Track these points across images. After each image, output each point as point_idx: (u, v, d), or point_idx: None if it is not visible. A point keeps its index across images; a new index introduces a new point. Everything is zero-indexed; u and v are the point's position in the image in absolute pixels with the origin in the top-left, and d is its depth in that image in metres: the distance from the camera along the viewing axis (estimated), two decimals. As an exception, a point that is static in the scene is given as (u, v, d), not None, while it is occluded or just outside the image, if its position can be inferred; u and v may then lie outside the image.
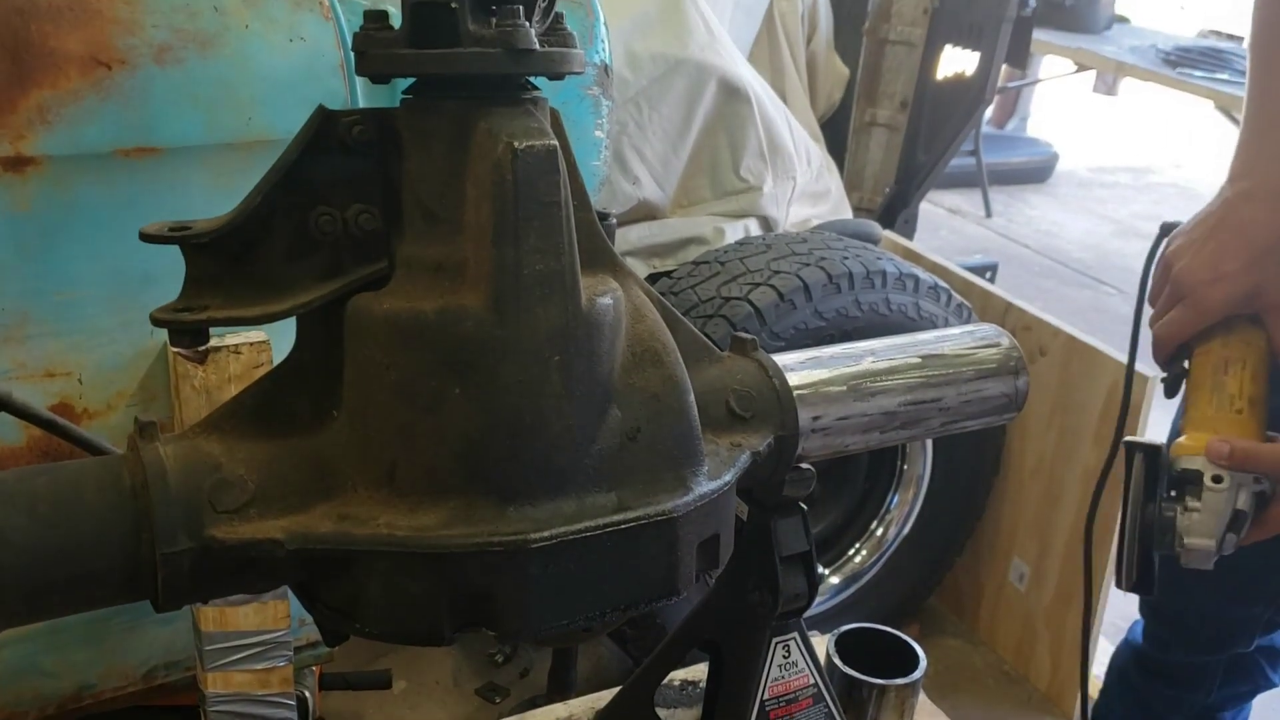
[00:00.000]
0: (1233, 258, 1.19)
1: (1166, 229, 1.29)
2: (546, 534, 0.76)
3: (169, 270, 0.84)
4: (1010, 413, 1.13)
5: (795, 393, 0.99)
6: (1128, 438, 1.17)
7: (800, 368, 1.02)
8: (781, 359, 1.02)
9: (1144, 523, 1.13)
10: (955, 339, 1.13)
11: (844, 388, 1.03)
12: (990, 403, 1.11)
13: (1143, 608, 1.84)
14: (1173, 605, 1.74)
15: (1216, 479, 1.12)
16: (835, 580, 2.52)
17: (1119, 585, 1.19)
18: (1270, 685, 1.80)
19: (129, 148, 1.25)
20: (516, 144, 0.74)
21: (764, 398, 0.97)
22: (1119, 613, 2.57)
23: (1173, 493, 1.15)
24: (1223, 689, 1.78)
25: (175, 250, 0.80)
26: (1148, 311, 1.29)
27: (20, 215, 1.21)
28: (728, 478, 0.87)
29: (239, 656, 1.39)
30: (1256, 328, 1.20)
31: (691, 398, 0.86)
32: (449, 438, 0.76)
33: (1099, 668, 2.50)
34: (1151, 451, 1.14)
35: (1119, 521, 1.17)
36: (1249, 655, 1.75)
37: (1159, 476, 1.13)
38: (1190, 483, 1.13)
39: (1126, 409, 1.37)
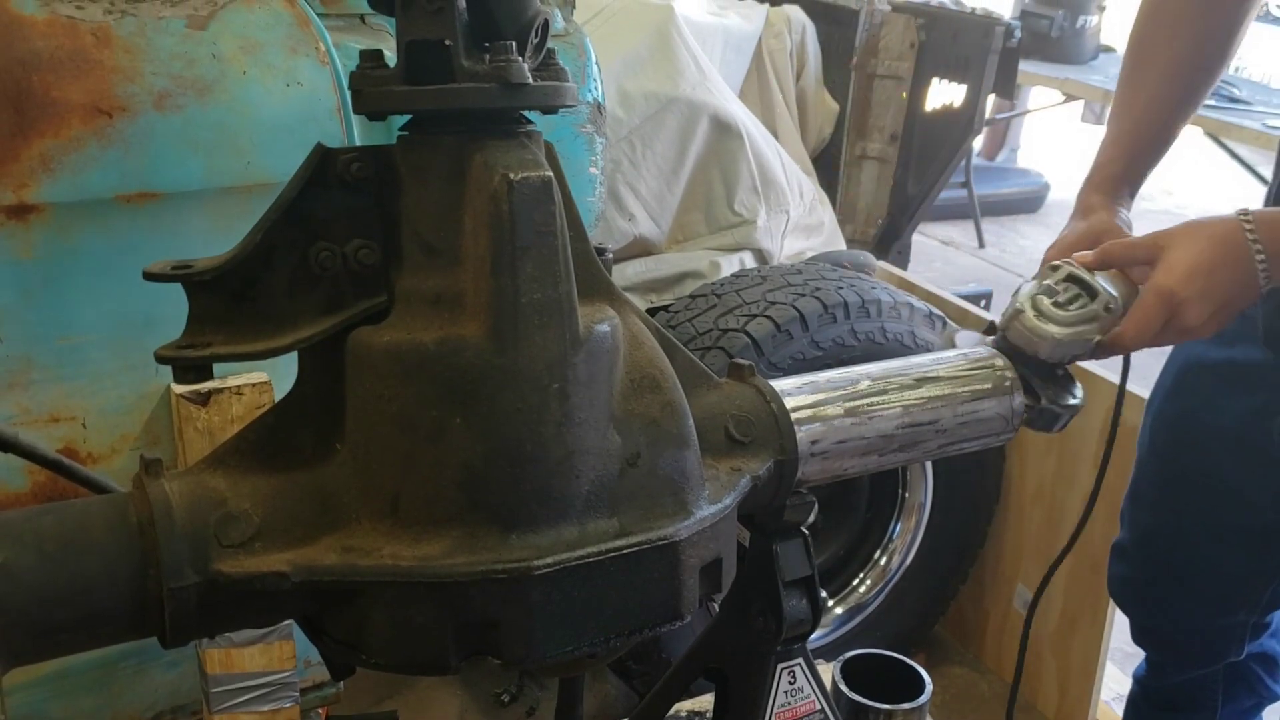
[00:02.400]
0: (1071, 222, 1.37)
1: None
2: (549, 560, 0.77)
3: (171, 314, 0.85)
4: (1007, 434, 1.14)
5: (793, 417, 1.00)
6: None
7: (797, 393, 1.03)
8: (779, 384, 1.03)
9: (1005, 346, 1.18)
10: (950, 362, 1.14)
11: (841, 412, 1.04)
12: (986, 424, 1.12)
13: (1135, 635, 1.85)
14: (1161, 625, 1.76)
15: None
16: (840, 611, 2.52)
17: (1034, 402, 1.19)
18: (1275, 696, 1.80)
19: (130, 193, 1.26)
20: (512, 176, 0.76)
21: (762, 423, 0.98)
22: (1126, 639, 2.56)
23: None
24: (1227, 706, 1.78)
25: (177, 293, 0.82)
26: None
27: (24, 262, 1.23)
28: (728, 501, 0.88)
29: (245, 698, 1.39)
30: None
31: (690, 423, 0.87)
32: (450, 467, 0.77)
33: (1106, 694, 2.50)
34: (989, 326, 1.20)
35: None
36: (1246, 667, 1.76)
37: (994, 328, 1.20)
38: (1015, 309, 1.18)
39: (1116, 428, 1.38)
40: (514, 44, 0.79)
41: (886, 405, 1.07)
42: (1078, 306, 1.16)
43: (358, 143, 1.40)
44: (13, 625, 0.73)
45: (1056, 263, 1.21)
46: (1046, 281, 1.19)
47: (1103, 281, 1.19)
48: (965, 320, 2.58)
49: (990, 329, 1.21)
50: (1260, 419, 1.46)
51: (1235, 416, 1.48)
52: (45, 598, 0.74)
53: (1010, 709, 1.47)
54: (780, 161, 2.71)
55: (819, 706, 1.14)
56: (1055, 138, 8.43)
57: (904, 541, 2.52)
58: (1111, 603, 2.25)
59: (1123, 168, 1.40)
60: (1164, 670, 1.83)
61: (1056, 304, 1.17)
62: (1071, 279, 1.19)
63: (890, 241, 3.16)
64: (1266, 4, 8.09)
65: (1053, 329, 1.15)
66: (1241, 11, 1.44)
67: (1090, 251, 1.21)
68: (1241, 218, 1.17)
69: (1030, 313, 1.16)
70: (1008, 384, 1.13)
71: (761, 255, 2.64)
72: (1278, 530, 1.52)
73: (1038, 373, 1.16)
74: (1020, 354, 1.16)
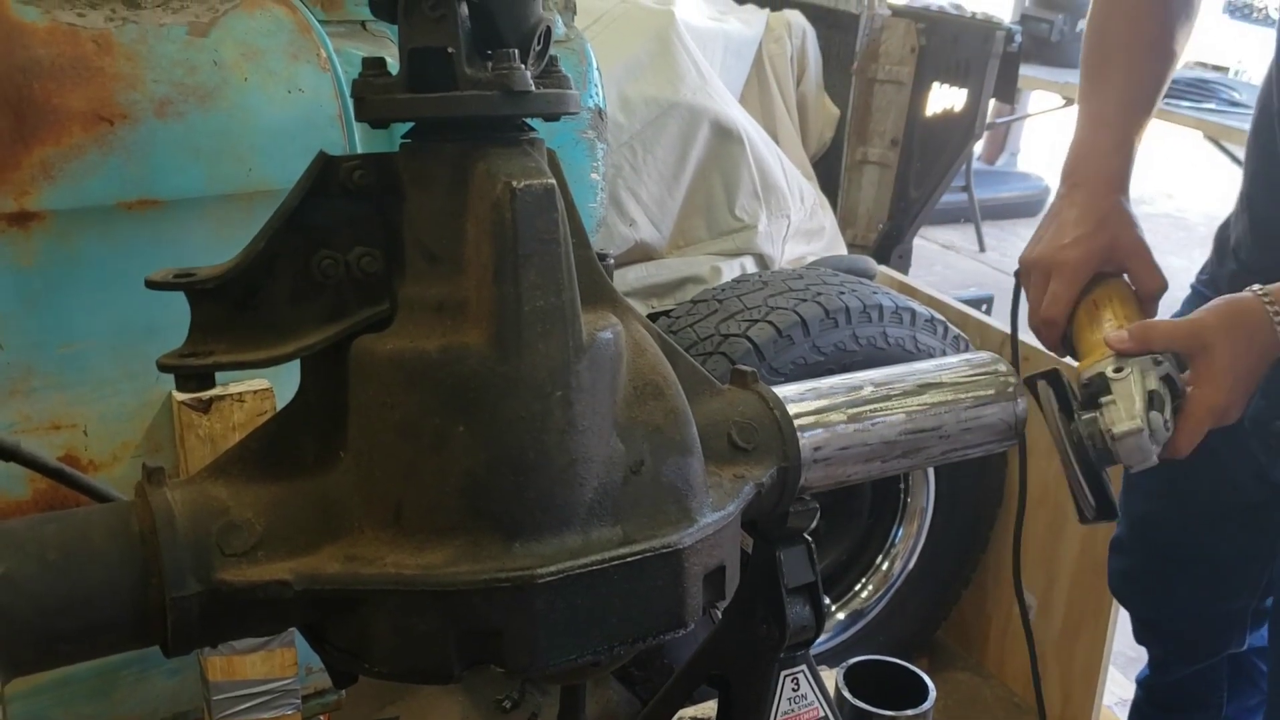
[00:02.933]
0: (1081, 225, 1.29)
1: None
2: (552, 569, 0.77)
3: (172, 321, 0.85)
4: (1009, 439, 1.14)
5: (796, 424, 1.00)
6: (1026, 375, 1.19)
7: (800, 399, 1.03)
8: (781, 390, 1.03)
9: (1073, 442, 1.13)
10: (953, 367, 1.14)
11: (844, 418, 1.04)
12: (989, 429, 1.12)
13: (1137, 632, 1.85)
14: (1162, 616, 1.76)
15: (1118, 370, 1.14)
16: (842, 616, 2.52)
17: (1082, 519, 1.18)
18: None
19: (131, 201, 1.26)
20: (515, 183, 0.75)
21: (765, 429, 0.98)
22: (1129, 643, 2.56)
23: (1085, 411, 1.16)
24: (1232, 703, 1.78)
25: (179, 301, 0.82)
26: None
27: (24, 270, 1.22)
28: (731, 509, 0.88)
29: (247, 706, 1.39)
30: (1116, 279, 1.28)
31: (694, 430, 0.87)
32: (453, 475, 0.77)
33: (1109, 698, 2.49)
34: (1053, 376, 1.15)
35: (1060, 452, 1.17)
36: (1249, 662, 1.76)
37: (1068, 397, 1.14)
38: (1097, 388, 1.15)
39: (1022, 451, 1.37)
40: (516, 51, 0.79)
41: (889, 411, 1.06)
42: (1166, 419, 1.13)
43: (359, 149, 1.40)
44: (15, 635, 0.73)
45: (1141, 360, 1.15)
46: (1153, 389, 1.13)
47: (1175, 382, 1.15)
48: (966, 325, 2.57)
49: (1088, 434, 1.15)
50: None
51: None
52: (47, 607, 0.74)
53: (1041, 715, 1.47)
54: (781, 166, 2.71)
55: (823, 713, 1.13)
56: (1055, 142, 8.43)
57: (906, 546, 2.52)
58: (1114, 606, 2.25)
59: (1121, 161, 1.36)
60: (1168, 666, 1.82)
61: (1163, 422, 1.13)
62: (1167, 381, 1.14)
63: (891, 246, 3.16)
64: (1265, 6, 8.09)
65: (1155, 448, 1.12)
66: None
67: (1128, 335, 1.17)
68: (1265, 300, 1.17)
69: (1146, 431, 1.11)
70: (1010, 389, 1.13)
71: (763, 260, 2.64)
72: (1265, 508, 1.52)
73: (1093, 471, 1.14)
74: (1089, 452, 1.13)
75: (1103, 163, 1.35)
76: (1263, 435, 1.40)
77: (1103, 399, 1.14)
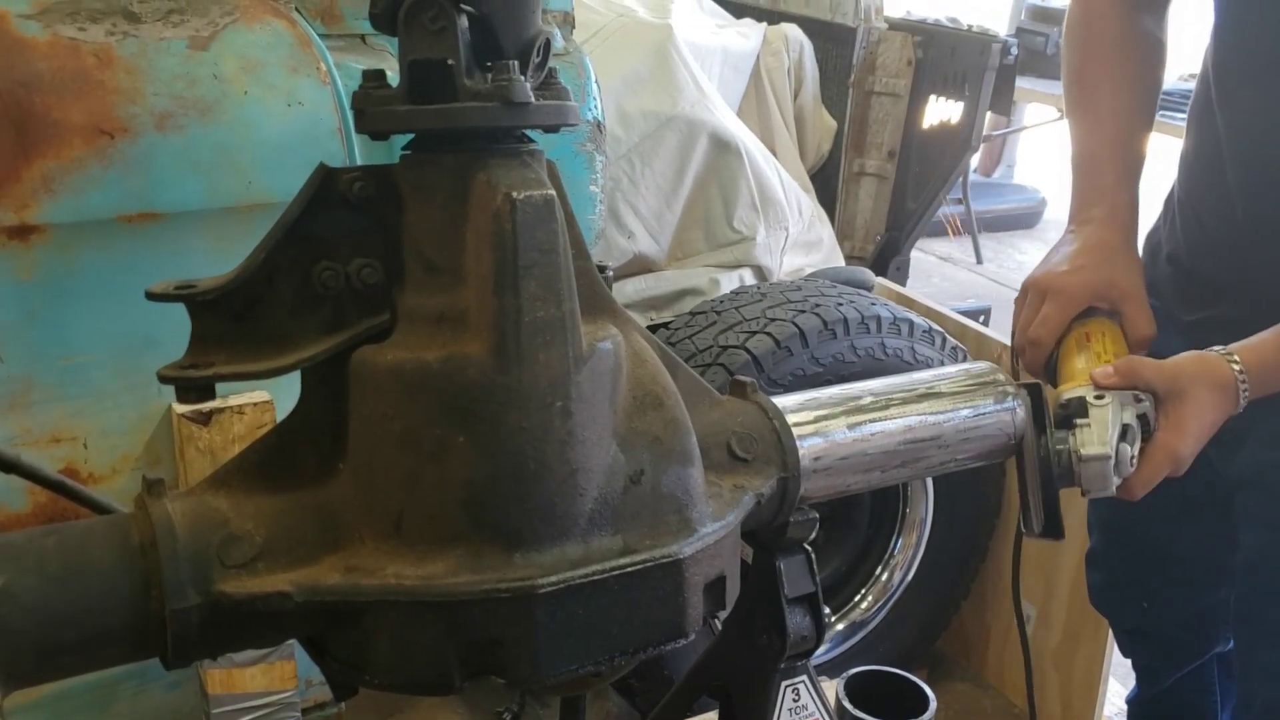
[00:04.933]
0: (1086, 256, 1.33)
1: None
2: (553, 579, 0.77)
3: (172, 334, 0.85)
4: (1009, 450, 1.14)
5: (795, 434, 1.00)
6: None
7: (799, 409, 1.03)
8: (781, 401, 1.03)
9: (1040, 455, 1.14)
10: (951, 377, 1.14)
11: (844, 428, 1.04)
12: (988, 439, 1.12)
13: (1122, 644, 1.85)
14: (1145, 622, 1.77)
15: (1099, 397, 1.16)
16: (841, 627, 2.51)
17: (1028, 533, 1.18)
18: None
19: (131, 214, 1.27)
20: (515, 194, 0.76)
21: (764, 439, 0.98)
22: (1128, 653, 2.56)
23: (1058, 429, 1.16)
24: (1225, 712, 1.79)
25: (179, 313, 0.82)
26: None
27: (25, 283, 1.23)
28: (731, 518, 0.88)
29: (246, 719, 1.39)
30: (1109, 317, 1.31)
31: (694, 440, 0.87)
32: (454, 486, 0.77)
33: (1109, 709, 2.49)
34: (1034, 389, 1.16)
35: (1016, 466, 1.17)
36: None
37: (1044, 413, 1.15)
38: (1074, 410, 1.16)
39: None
40: (516, 63, 0.79)
41: (889, 421, 1.06)
42: (1133, 455, 1.14)
43: (358, 162, 1.40)
44: (15, 647, 0.73)
45: (1122, 394, 1.17)
46: (1128, 423, 1.15)
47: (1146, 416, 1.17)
48: (964, 337, 2.58)
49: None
50: None
51: None
52: (47, 619, 0.74)
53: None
54: (779, 179, 2.71)
55: (823, 724, 1.13)
56: (1051, 153, 8.45)
57: (905, 557, 2.51)
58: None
59: (1127, 197, 1.38)
60: (1156, 675, 1.83)
61: (1129, 455, 1.14)
62: (1142, 419, 1.17)
63: (889, 257, 3.17)
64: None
65: (1116, 480, 1.13)
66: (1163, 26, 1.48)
67: (1114, 370, 1.18)
68: (1229, 360, 1.20)
69: (1113, 460, 1.12)
70: (1009, 399, 1.13)
71: (761, 272, 2.64)
72: (1226, 502, 1.53)
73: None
74: (1053, 469, 1.14)
75: (1109, 201, 1.37)
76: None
77: (1078, 421, 1.15)
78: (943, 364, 2.30)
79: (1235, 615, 1.56)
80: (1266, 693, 1.50)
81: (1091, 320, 1.31)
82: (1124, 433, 1.14)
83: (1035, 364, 1.31)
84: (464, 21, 0.78)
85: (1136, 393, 1.17)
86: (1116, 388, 1.16)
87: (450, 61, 0.78)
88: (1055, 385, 1.27)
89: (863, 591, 2.54)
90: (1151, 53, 1.46)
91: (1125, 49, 1.45)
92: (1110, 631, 2.32)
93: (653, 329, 2.39)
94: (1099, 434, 1.13)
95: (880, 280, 2.92)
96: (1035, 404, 1.14)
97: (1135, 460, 1.15)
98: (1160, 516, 1.60)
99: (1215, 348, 1.22)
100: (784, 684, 1.10)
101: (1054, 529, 1.16)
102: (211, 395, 0.82)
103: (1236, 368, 1.20)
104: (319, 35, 1.41)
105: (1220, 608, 1.65)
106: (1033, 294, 1.33)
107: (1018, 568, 1.41)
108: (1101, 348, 1.28)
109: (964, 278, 6.07)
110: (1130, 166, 1.41)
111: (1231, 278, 1.44)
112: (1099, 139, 1.42)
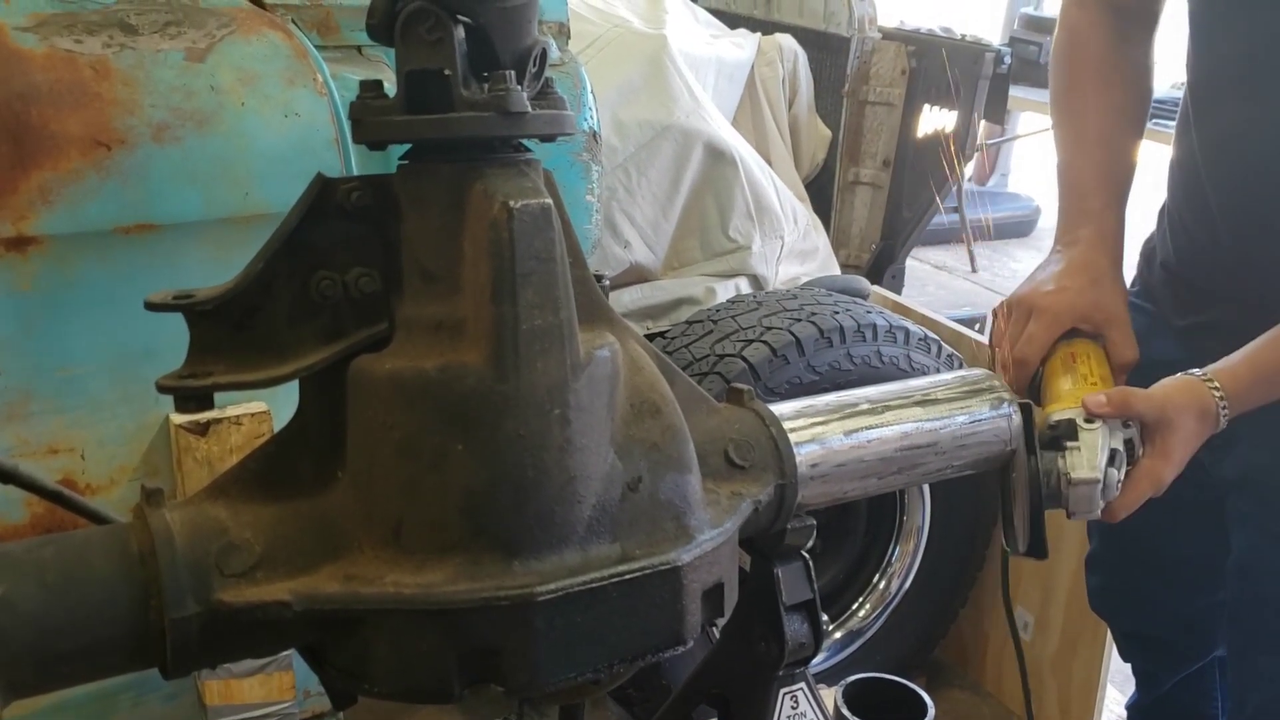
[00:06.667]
0: (1072, 277, 1.34)
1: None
2: (552, 586, 0.77)
3: (169, 345, 0.86)
4: (1005, 457, 1.14)
5: (792, 441, 1.00)
6: None
7: (796, 416, 1.03)
8: (778, 408, 1.03)
9: (1029, 474, 1.15)
10: (948, 384, 1.14)
11: (841, 435, 1.04)
12: (985, 446, 1.12)
13: (1122, 648, 1.85)
14: (1144, 624, 1.78)
15: (1089, 420, 1.17)
16: (839, 635, 2.51)
17: (1011, 550, 1.20)
18: None
19: (129, 225, 1.27)
20: (512, 203, 0.76)
21: (762, 447, 0.99)
22: (1126, 660, 2.56)
23: (1047, 450, 1.18)
24: (1225, 717, 1.79)
25: (176, 325, 0.82)
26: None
27: (22, 294, 1.23)
28: (729, 525, 0.88)
29: (244, 730, 1.38)
30: (1094, 340, 1.32)
31: (691, 447, 0.87)
32: (453, 494, 0.77)
33: (1108, 715, 2.49)
34: (1026, 408, 1.16)
35: (1000, 484, 1.18)
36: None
37: (1033, 433, 1.16)
38: (1063, 432, 1.17)
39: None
40: (512, 73, 0.79)
41: (885, 428, 1.07)
42: (1119, 479, 1.16)
43: (355, 172, 1.40)
44: (14, 657, 0.73)
45: (1108, 422, 1.18)
46: (1116, 448, 1.17)
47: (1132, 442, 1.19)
48: (960, 344, 2.58)
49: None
50: None
51: None
52: (46, 629, 0.74)
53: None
54: (774, 188, 2.72)
55: (822, 731, 1.13)
56: (1045, 162, 8.46)
57: (903, 565, 2.52)
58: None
59: (1114, 221, 1.40)
60: (1156, 680, 1.83)
61: (1116, 480, 1.16)
62: (1129, 445, 1.19)
63: (885, 265, 3.18)
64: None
65: (1101, 503, 1.15)
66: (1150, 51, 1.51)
67: (1106, 400, 1.19)
68: (1210, 386, 1.22)
69: (1101, 485, 1.14)
70: (1005, 406, 1.13)
71: (757, 281, 2.65)
72: (1218, 505, 1.54)
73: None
74: (1041, 489, 1.15)
75: (1095, 224, 1.39)
76: None
77: (1068, 443, 1.16)
78: (939, 371, 2.30)
79: (1228, 619, 1.57)
80: (1259, 697, 1.51)
81: (1076, 341, 1.32)
82: (1111, 457, 1.16)
83: (1020, 383, 1.32)
84: (460, 32, 0.79)
85: (1125, 419, 1.19)
86: (1108, 418, 1.18)
87: (447, 72, 0.78)
88: (1039, 404, 1.28)
89: (860, 599, 2.54)
90: (1137, 78, 1.49)
91: (1111, 77, 1.47)
92: (1108, 638, 2.32)
93: (649, 338, 2.39)
94: (1089, 458, 1.15)
95: (876, 288, 2.93)
96: (1026, 424, 1.15)
97: (1120, 486, 1.16)
98: (1155, 520, 1.60)
99: (1195, 371, 1.24)
100: (782, 691, 1.10)
101: (1038, 549, 1.17)
102: (210, 405, 0.82)
103: (1217, 394, 1.22)
104: (315, 47, 1.41)
105: (1218, 610, 1.65)
106: (1018, 312, 1.34)
107: (1007, 581, 1.41)
108: (1088, 369, 1.29)
109: (959, 285, 6.07)
110: (1117, 191, 1.43)
111: (1218, 284, 1.46)
112: (1085, 163, 1.44)
